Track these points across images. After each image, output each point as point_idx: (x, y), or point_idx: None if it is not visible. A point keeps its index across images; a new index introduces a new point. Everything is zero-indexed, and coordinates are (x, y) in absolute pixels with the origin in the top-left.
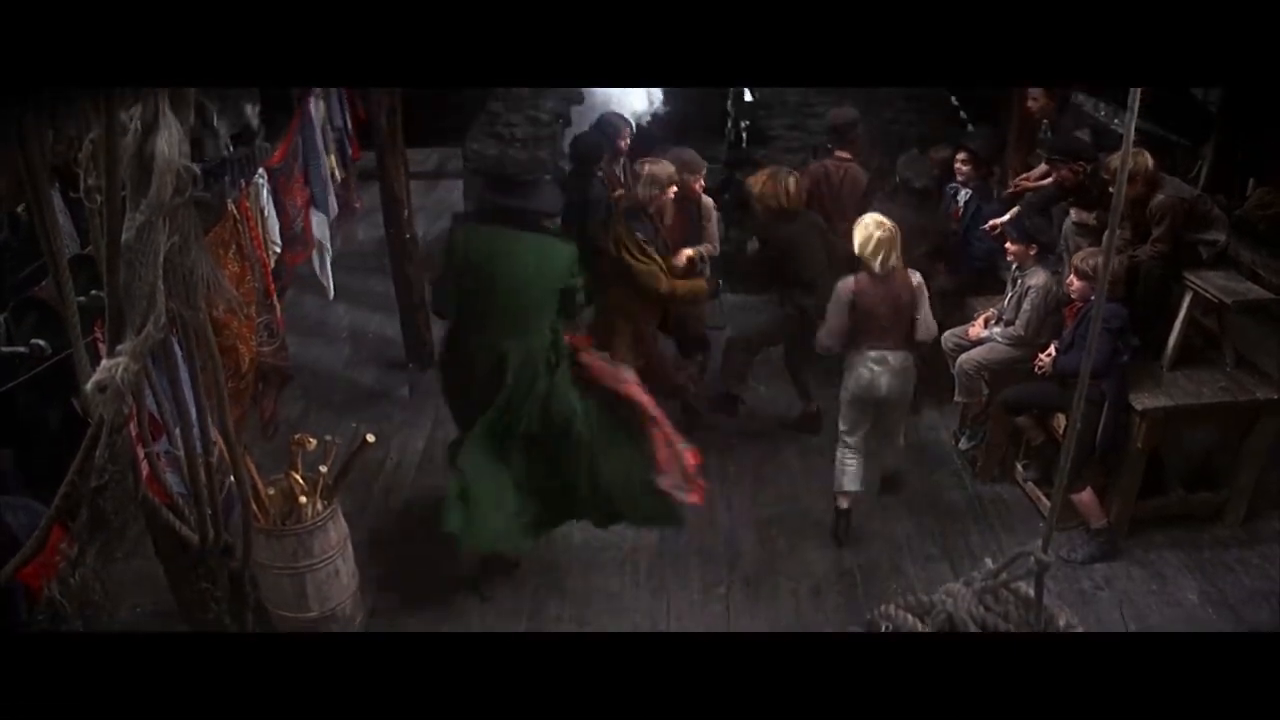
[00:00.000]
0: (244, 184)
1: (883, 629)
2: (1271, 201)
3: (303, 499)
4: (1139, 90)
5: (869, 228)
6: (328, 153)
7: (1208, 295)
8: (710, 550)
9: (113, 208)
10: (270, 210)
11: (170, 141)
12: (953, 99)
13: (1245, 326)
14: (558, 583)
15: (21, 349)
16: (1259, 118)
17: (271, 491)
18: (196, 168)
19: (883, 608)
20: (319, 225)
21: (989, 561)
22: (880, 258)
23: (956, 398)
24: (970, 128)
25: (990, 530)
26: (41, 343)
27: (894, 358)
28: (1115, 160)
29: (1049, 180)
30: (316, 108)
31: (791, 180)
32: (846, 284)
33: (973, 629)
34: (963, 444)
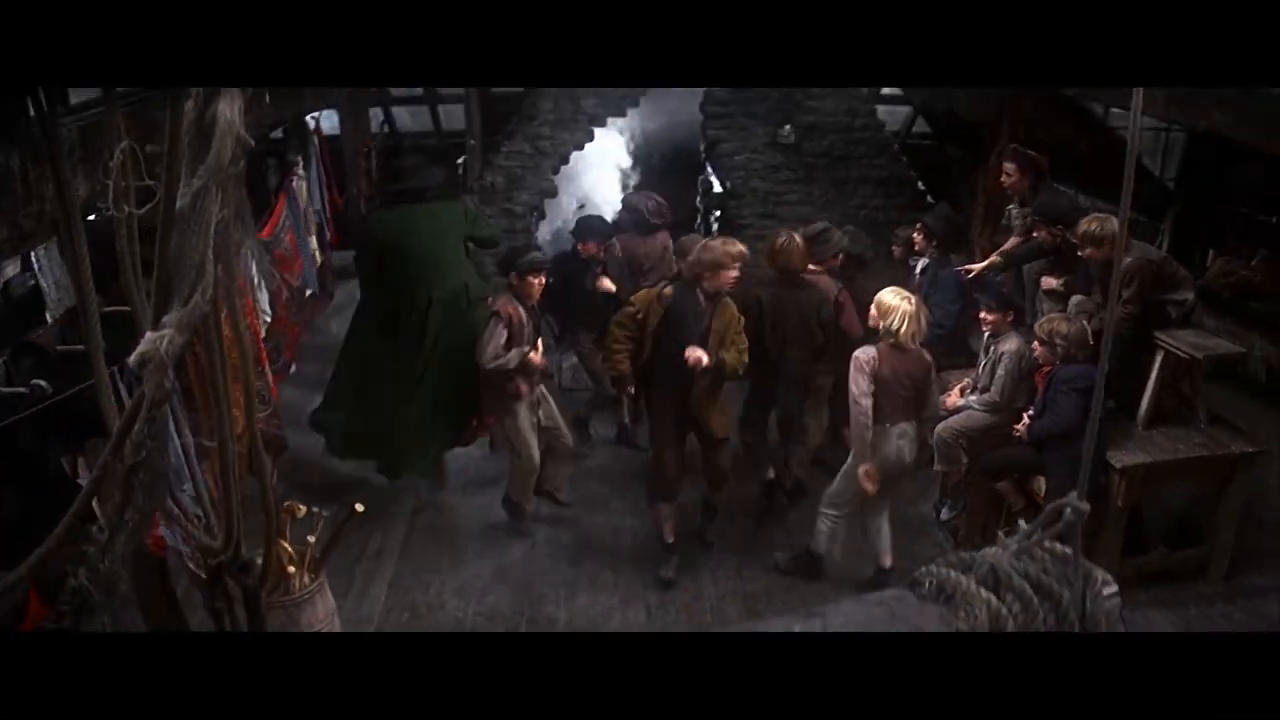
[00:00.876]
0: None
1: (926, 585)
2: (1232, 270)
3: (291, 569)
4: (1140, 91)
5: (894, 301)
6: (309, 233)
7: (1179, 353)
8: (698, 624)
9: (172, 174)
10: (259, 280)
11: (231, 106)
12: (919, 184)
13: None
14: None
15: (22, 389)
16: (1214, 191)
17: (259, 562)
18: (251, 139)
19: (925, 567)
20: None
21: (1022, 523)
22: (906, 330)
23: (936, 466)
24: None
25: None
26: (43, 383)
27: (911, 428)
28: (1084, 224)
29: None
30: (299, 185)
31: (801, 240)
32: (868, 353)
33: (1016, 581)
34: (944, 514)
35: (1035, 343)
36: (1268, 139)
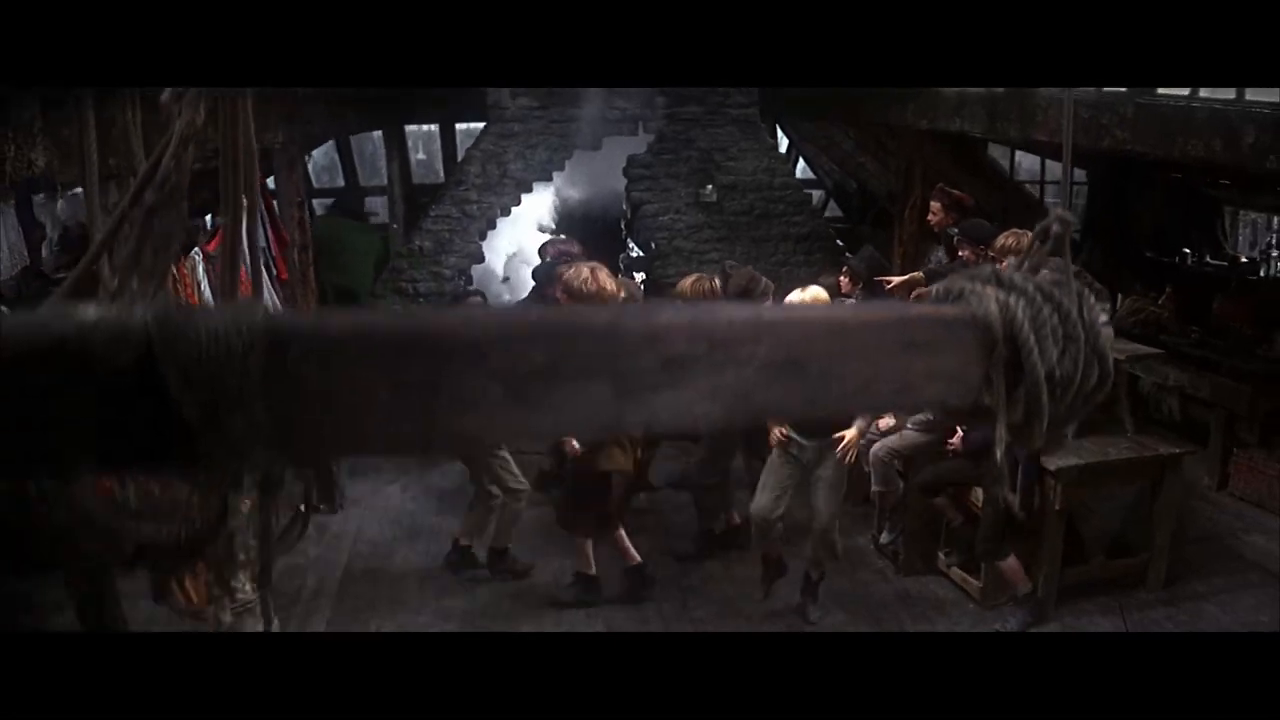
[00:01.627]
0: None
1: (934, 294)
2: (1141, 307)
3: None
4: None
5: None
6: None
7: None
8: None
9: None
10: (205, 288)
11: None
12: (838, 240)
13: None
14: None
15: None
16: (1117, 239)
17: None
18: None
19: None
20: None
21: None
22: None
23: (874, 487)
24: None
25: (923, 614)
26: (3, 308)
27: None
28: (1002, 239)
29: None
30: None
31: (714, 281)
32: None
33: (1019, 282)
34: (883, 538)
35: None
36: (1163, 148)
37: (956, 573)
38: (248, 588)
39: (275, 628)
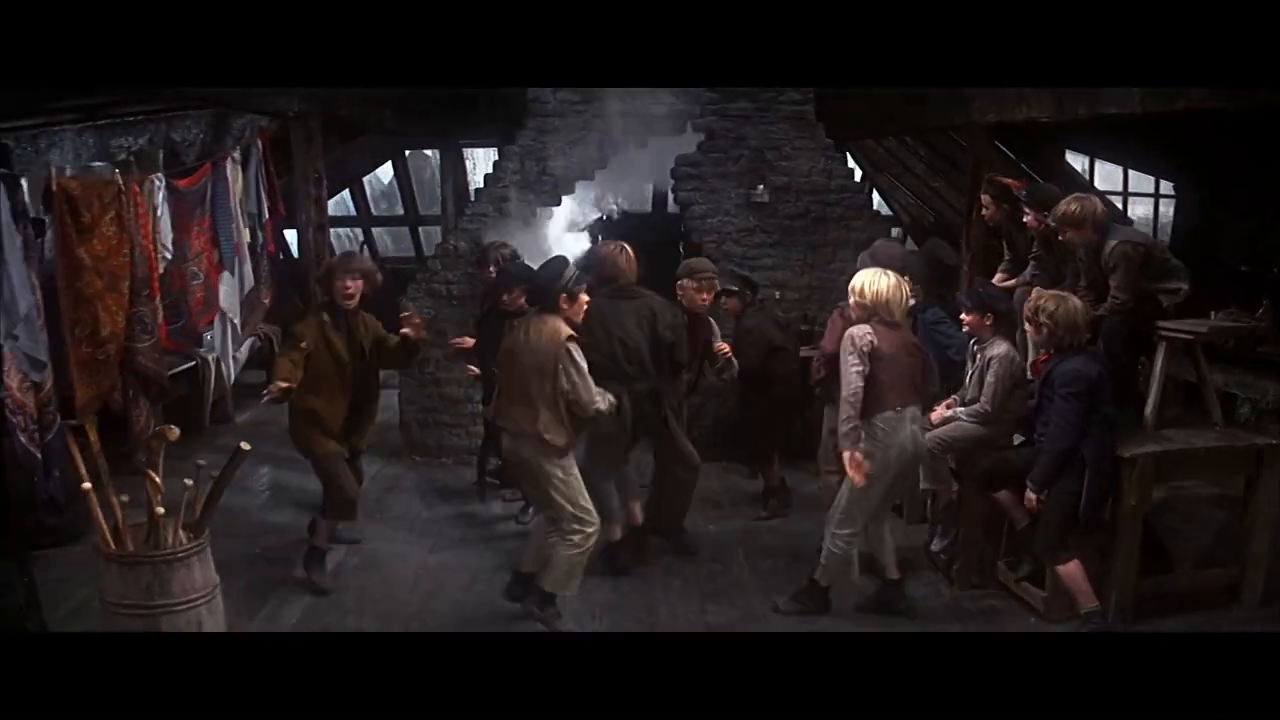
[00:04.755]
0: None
1: None
2: (1237, 321)
3: (160, 510)
4: None
5: (881, 280)
6: (230, 218)
7: (1181, 335)
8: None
9: None
10: (165, 216)
11: None
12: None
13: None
14: None
15: None
16: (1209, 255)
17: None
18: None
19: None
20: (226, 294)
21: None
22: (902, 305)
23: (923, 484)
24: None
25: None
26: None
27: (919, 412)
28: (1063, 206)
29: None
30: (233, 173)
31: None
32: (863, 330)
33: None
34: (935, 544)
35: (1025, 323)
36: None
37: (1021, 586)
38: (181, 536)
39: (217, 584)
